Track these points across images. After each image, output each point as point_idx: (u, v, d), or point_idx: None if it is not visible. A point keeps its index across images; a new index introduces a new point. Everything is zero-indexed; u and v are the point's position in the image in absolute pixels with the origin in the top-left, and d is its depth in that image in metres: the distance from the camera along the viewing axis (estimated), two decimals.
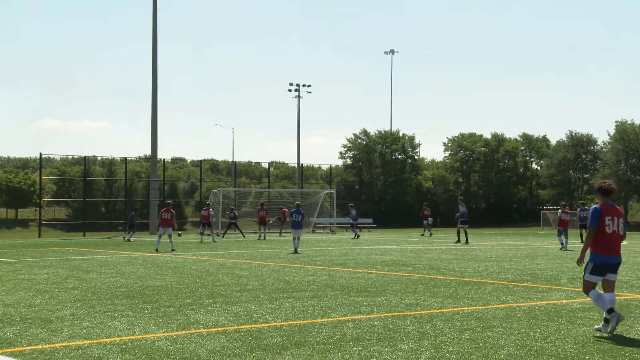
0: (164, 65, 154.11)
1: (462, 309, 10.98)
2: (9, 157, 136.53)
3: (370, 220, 60.08)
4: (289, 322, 9.66)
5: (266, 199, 55.37)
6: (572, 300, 12.03)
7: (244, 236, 41.42)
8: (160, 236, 27.45)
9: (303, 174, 74.23)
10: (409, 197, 78.13)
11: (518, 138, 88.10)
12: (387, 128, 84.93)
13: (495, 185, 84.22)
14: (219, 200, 45.30)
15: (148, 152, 64.99)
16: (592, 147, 79.66)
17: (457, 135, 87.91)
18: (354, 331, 8.97)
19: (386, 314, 10.39)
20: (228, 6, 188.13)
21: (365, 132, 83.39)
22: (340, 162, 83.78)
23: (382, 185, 79.10)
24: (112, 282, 15.00)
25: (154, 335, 8.77)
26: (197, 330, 9.07)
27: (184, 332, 8.98)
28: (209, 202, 42.11)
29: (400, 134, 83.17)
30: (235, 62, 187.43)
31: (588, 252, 9.35)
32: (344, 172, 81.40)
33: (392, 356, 7.54)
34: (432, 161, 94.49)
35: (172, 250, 26.38)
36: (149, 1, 53.90)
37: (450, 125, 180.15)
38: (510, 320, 9.88)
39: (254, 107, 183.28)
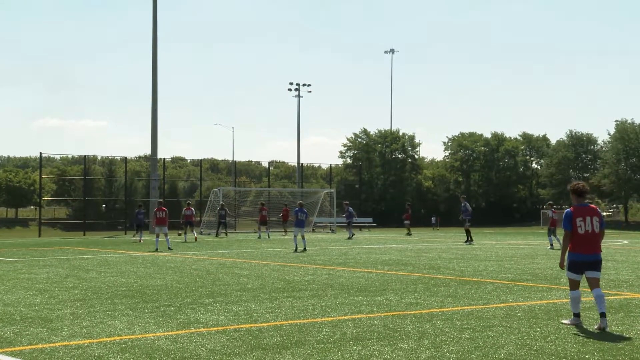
0: (164, 65, 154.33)
1: (462, 308, 10.98)
2: (9, 157, 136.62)
3: (370, 219, 60.10)
4: (289, 322, 9.66)
5: (266, 198, 55.37)
6: None
7: (226, 235, 41.28)
8: (157, 236, 27.52)
9: (303, 174, 74.25)
10: (409, 197, 78.15)
11: (518, 137, 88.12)
12: (387, 127, 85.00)
13: (495, 184, 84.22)
14: (219, 200, 45.31)
15: (148, 152, 64.98)
16: (592, 147, 79.67)
17: (457, 134, 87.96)
18: (354, 330, 8.97)
19: (386, 313, 10.39)
20: (228, 6, 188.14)
21: (365, 131, 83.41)
22: (340, 162, 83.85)
23: (382, 185, 79.12)
24: (112, 281, 15.00)
25: (154, 334, 8.77)
26: (197, 330, 9.07)
27: (184, 331, 8.98)
28: (188, 201, 41.22)
29: (400, 134, 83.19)
30: (235, 62, 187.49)
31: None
32: (344, 171, 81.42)
33: (392, 355, 7.54)
34: (432, 160, 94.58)
35: (169, 249, 26.44)
36: (149, 1, 53.90)
37: (450, 124, 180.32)
38: (510, 319, 9.88)
39: (254, 107, 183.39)
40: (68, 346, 8.04)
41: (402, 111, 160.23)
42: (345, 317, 10.03)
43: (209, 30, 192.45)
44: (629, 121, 72.40)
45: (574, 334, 8.82)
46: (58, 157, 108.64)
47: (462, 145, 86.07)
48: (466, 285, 14.07)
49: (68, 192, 75.79)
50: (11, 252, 25.60)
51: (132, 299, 12.09)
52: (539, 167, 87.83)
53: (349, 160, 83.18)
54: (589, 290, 9.53)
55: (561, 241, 10.35)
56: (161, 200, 30.21)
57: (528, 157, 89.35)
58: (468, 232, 32.12)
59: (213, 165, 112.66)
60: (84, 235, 45.19)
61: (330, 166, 66.50)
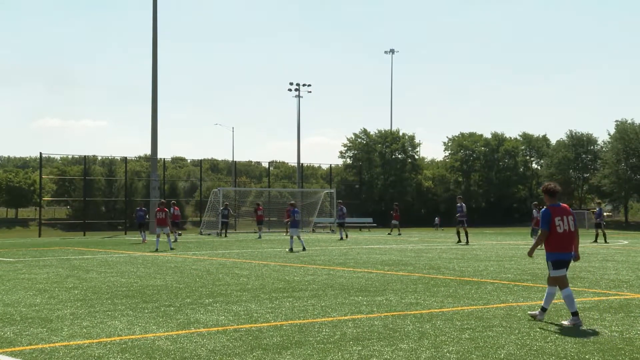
0: (164, 65, 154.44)
1: (462, 308, 10.99)
2: (9, 157, 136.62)
3: (370, 219, 60.08)
4: (289, 322, 9.66)
5: (266, 198, 55.37)
6: None
7: (225, 236, 41.22)
8: (158, 236, 27.55)
9: (303, 174, 74.24)
10: (409, 197, 78.14)
11: (518, 137, 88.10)
12: (387, 127, 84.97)
13: (495, 184, 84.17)
14: (219, 200, 45.32)
15: (148, 152, 64.98)
16: (592, 147, 79.66)
17: (457, 134, 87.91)
18: (354, 330, 8.97)
19: (386, 314, 10.39)
20: (228, 6, 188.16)
21: (365, 131, 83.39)
22: (340, 162, 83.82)
23: (382, 185, 79.09)
24: (112, 281, 15.00)
25: (154, 334, 8.77)
26: (197, 330, 9.07)
27: (184, 331, 8.98)
28: (173, 201, 40.56)
29: (401, 134, 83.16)
30: (235, 62, 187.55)
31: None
32: (344, 171, 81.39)
33: (392, 356, 7.54)
34: (432, 160, 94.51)
35: (171, 249, 26.58)
36: (149, 1, 53.89)
37: (450, 124, 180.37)
38: (510, 319, 9.88)
39: (254, 107, 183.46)
40: (68, 346, 8.04)
41: (402, 111, 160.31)
42: (346, 317, 10.03)
43: (209, 30, 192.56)
44: (629, 121, 72.43)
45: (574, 334, 8.82)
46: (58, 157, 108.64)
47: (462, 145, 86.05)
48: (466, 286, 14.07)
49: (68, 192, 75.77)
50: (11, 252, 25.60)
51: (132, 299, 12.09)
52: (539, 167, 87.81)
53: (349, 161, 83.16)
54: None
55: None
56: (163, 200, 30.23)
57: (528, 157, 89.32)
58: (463, 233, 31.72)
59: (213, 166, 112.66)
60: (84, 235, 45.18)
61: (331, 166, 66.50)
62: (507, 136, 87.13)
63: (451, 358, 7.43)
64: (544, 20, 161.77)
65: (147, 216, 37.20)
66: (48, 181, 75.69)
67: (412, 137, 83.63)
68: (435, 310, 10.78)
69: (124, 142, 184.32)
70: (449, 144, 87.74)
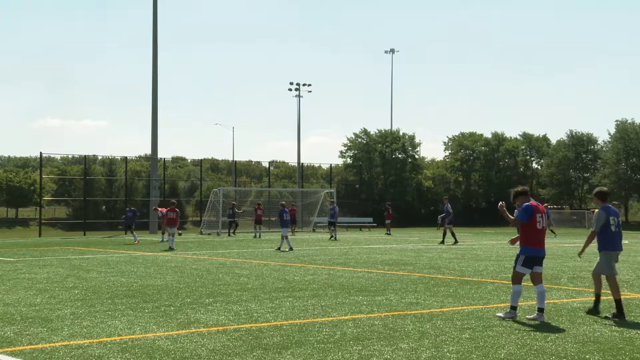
0: (164, 65, 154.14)
1: (463, 308, 10.99)
2: (9, 157, 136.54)
3: (370, 219, 60.06)
4: (289, 321, 9.66)
5: (266, 198, 55.36)
6: (573, 300, 12.04)
7: (229, 235, 41.24)
8: (171, 235, 27.94)
9: (303, 173, 74.23)
10: (410, 197, 78.13)
11: (518, 137, 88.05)
12: (388, 127, 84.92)
13: (495, 184, 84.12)
14: (219, 200, 45.30)
15: (148, 152, 64.97)
16: (592, 147, 79.64)
17: (457, 134, 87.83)
18: (354, 330, 8.97)
19: (386, 313, 10.39)
20: (228, 6, 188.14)
21: (365, 131, 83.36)
22: (340, 162, 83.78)
23: (382, 185, 79.07)
24: (112, 281, 15.00)
25: (154, 334, 8.77)
26: (198, 330, 9.07)
27: (184, 331, 8.99)
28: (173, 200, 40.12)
29: (401, 133, 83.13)
30: (235, 62, 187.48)
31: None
32: (344, 171, 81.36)
33: (392, 355, 7.54)
34: (433, 160, 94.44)
35: (171, 249, 26.59)
36: (149, 1, 53.91)
37: (450, 124, 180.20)
38: (511, 319, 9.88)
39: (254, 107, 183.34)
40: (68, 346, 8.05)
41: (402, 111, 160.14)
42: (346, 317, 10.04)
43: (209, 30, 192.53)
44: (629, 121, 72.43)
45: (574, 334, 8.82)
46: (58, 157, 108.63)
47: (462, 145, 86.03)
48: (466, 285, 14.07)
49: (68, 192, 75.75)
50: (11, 252, 25.60)
51: (132, 298, 12.09)
52: (539, 167, 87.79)
53: (349, 160, 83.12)
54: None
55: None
56: (174, 201, 30.93)
57: (528, 157, 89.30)
58: (449, 233, 31.63)
59: (213, 165, 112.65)
60: (84, 235, 45.17)
61: (331, 166, 66.48)
62: (507, 136, 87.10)
63: (451, 358, 7.43)
64: (544, 20, 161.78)
65: (136, 216, 36.22)
66: (48, 181, 75.66)
67: (412, 137, 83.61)
68: (436, 310, 10.78)
69: (124, 142, 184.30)
70: (449, 144, 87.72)
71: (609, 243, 10.61)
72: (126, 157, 56.32)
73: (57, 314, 10.43)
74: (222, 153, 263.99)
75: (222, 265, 19.13)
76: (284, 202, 28.58)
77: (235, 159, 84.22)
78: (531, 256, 10.03)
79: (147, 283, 14.56)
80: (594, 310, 10.39)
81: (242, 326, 9.31)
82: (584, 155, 79.42)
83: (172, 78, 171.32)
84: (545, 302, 10.21)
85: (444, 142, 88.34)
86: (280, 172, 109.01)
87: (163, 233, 35.08)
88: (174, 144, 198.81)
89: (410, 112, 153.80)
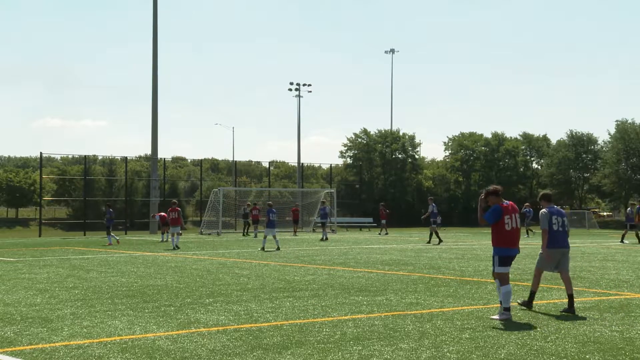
0: (164, 65, 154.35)
1: (463, 308, 10.99)
2: (9, 157, 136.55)
3: (370, 219, 60.08)
4: (290, 322, 9.66)
5: (267, 198, 55.33)
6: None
7: (243, 235, 41.36)
8: (173, 235, 28.23)
9: (303, 174, 74.22)
10: (410, 197, 78.15)
11: (518, 137, 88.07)
12: (388, 127, 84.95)
13: (495, 184, 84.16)
14: (219, 200, 45.30)
15: (148, 152, 65.00)
16: (592, 147, 79.66)
17: (457, 134, 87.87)
18: (354, 330, 8.97)
19: (386, 313, 10.39)
20: (228, 6, 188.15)
21: (365, 131, 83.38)
22: (340, 162, 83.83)
23: (382, 185, 79.08)
24: (112, 281, 15.00)
25: (154, 334, 8.77)
26: (198, 330, 9.07)
27: (184, 331, 8.99)
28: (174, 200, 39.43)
29: (401, 133, 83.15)
30: (235, 62, 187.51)
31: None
32: (345, 171, 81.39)
33: (392, 355, 7.54)
34: (433, 160, 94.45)
35: (174, 248, 26.75)
36: (149, 1, 53.92)
37: (450, 124, 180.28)
38: (511, 319, 9.88)
39: (255, 107, 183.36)
40: (68, 346, 8.05)
41: (402, 111, 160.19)
42: (346, 317, 10.04)
43: (209, 30, 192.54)
44: (629, 121, 72.45)
45: (574, 334, 8.82)
46: (58, 157, 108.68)
47: (462, 145, 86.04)
48: (466, 285, 14.07)
49: (68, 192, 75.76)
50: (11, 252, 25.61)
51: (132, 298, 12.09)
52: (539, 167, 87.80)
53: (349, 160, 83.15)
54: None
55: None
56: (175, 201, 31.38)
57: (528, 157, 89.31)
58: (436, 233, 31.97)
59: (213, 165, 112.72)
60: (85, 235, 45.17)
61: (331, 166, 66.51)
62: (508, 136, 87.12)
63: (451, 358, 7.43)
64: (544, 20, 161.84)
65: (113, 217, 33.74)
66: (48, 181, 75.66)
67: (412, 137, 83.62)
68: (436, 310, 10.78)
69: (124, 142, 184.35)
70: (449, 144, 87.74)
71: (551, 241, 10.98)
72: (126, 157, 56.38)
73: (57, 314, 10.43)
74: (222, 153, 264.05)
75: (222, 265, 19.13)
76: (270, 203, 28.94)
77: (235, 159, 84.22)
78: (505, 255, 10.24)
79: (147, 283, 14.56)
80: (528, 304, 10.93)
81: (242, 326, 9.31)
82: (584, 155, 79.44)
83: (172, 78, 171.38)
84: (545, 301, 10.18)
85: (444, 142, 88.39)
86: (280, 172, 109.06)
87: (163, 233, 35.10)
88: (174, 144, 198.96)
89: (410, 112, 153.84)
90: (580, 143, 79.00)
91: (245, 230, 43.17)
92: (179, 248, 26.97)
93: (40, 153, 47.89)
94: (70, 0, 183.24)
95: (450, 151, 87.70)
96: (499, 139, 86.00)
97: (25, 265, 19.33)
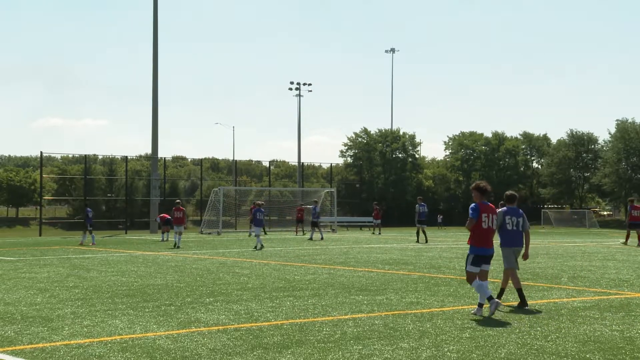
0: (164, 65, 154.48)
1: (463, 307, 10.99)
2: (9, 156, 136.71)
3: (370, 219, 60.04)
4: (290, 321, 9.66)
5: (267, 197, 55.34)
6: (573, 299, 12.04)
7: (265, 233, 40.90)
8: (177, 233, 28.51)
9: (304, 173, 74.25)
10: (410, 196, 78.16)
11: (519, 137, 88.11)
12: (388, 127, 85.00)
13: (495, 183, 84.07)
14: (220, 199, 45.28)
15: (149, 151, 65.05)
16: (592, 146, 79.68)
17: (457, 134, 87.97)
18: (355, 330, 8.97)
19: (387, 313, 10.39)
20: (228, 6, 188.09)
21: (366, 130, 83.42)
22: (341, 161, 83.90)
23: (382, 184, 79.09)
24: (112, 280, 15.00)
25: (154, 333, 8.77)
26: (198, 329, 9.07)
27: (184, 330, 8.99)
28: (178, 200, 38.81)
29: (401, 133, 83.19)
30: (236, 62, 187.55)
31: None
32: (345, 170, 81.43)
33: (392, 355, 7.54)
34: (433, 160, 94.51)
35: (177, 247, 26.94)
36: (149, 1, 53.91)
37: (450, 123, 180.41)
38: (511, 318, 9.88)
39: (255, 106, 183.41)
40: (69, 345, 8.05)
41: (403, 110, 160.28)
42: (346, 317, 10.04)
43: (209, 30, 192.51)
44: (630, 120, 72.46)
45: (574, 333, 8.82)
46: (59, 156, 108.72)
47: (462, 144, 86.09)
48: (467, 285, 14.05)
49: (69, 192, 75.83)
50: (12, 252, 25.61)
51: (132, 298, 12.09)
52: (539, 166, 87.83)
53: (349, 160, 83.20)
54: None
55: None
56: (178, 200, 31.75)
57: (529, 157, 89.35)
58: (417, 233, 32.49)
59: (214, 165, 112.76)
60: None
61: (331, 165, 66.51)
62: (508, 135, 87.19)
63: (452, 357, 7.43)
64: (544, 20, 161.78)
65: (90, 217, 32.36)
66: (49, 180, 75.71)
67: (412, 137, 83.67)
68: (436, 309, 10.78)
69: (125, 142, 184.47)
70: (450, 143, 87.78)
71: (505, 240, 11.51)
72: (126, 157, 56.40)
73: (58, 313, 10.44)
74: (222, 152, 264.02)
75: (223, 265, 19.13)
76: (259, 202, 29.00)
77: (235, 159, 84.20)
78: (479, 255, 10.44)
79: (148, 282, 14.57)
80: (522, 303, 11.03)
81: (242, 325, 9.31)
82: (584, 155, 79.46)
83: (172, 78, 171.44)
84: (545, 301, 10.19)
85: (444, 142, 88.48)
86: (280, 172, 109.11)
87: (163, 233, 35.11)
88: (174, 144, 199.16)
89: (411, 112, 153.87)
90: (580, 142, 79.01)
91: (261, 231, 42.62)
92: (179, 247, 27.04)
93: (41, 152, 47.95)
94: (70, 0, 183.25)
95: (450, 150, 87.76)
96: (499, 138, 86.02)
97: (26, 265, 19.33)
